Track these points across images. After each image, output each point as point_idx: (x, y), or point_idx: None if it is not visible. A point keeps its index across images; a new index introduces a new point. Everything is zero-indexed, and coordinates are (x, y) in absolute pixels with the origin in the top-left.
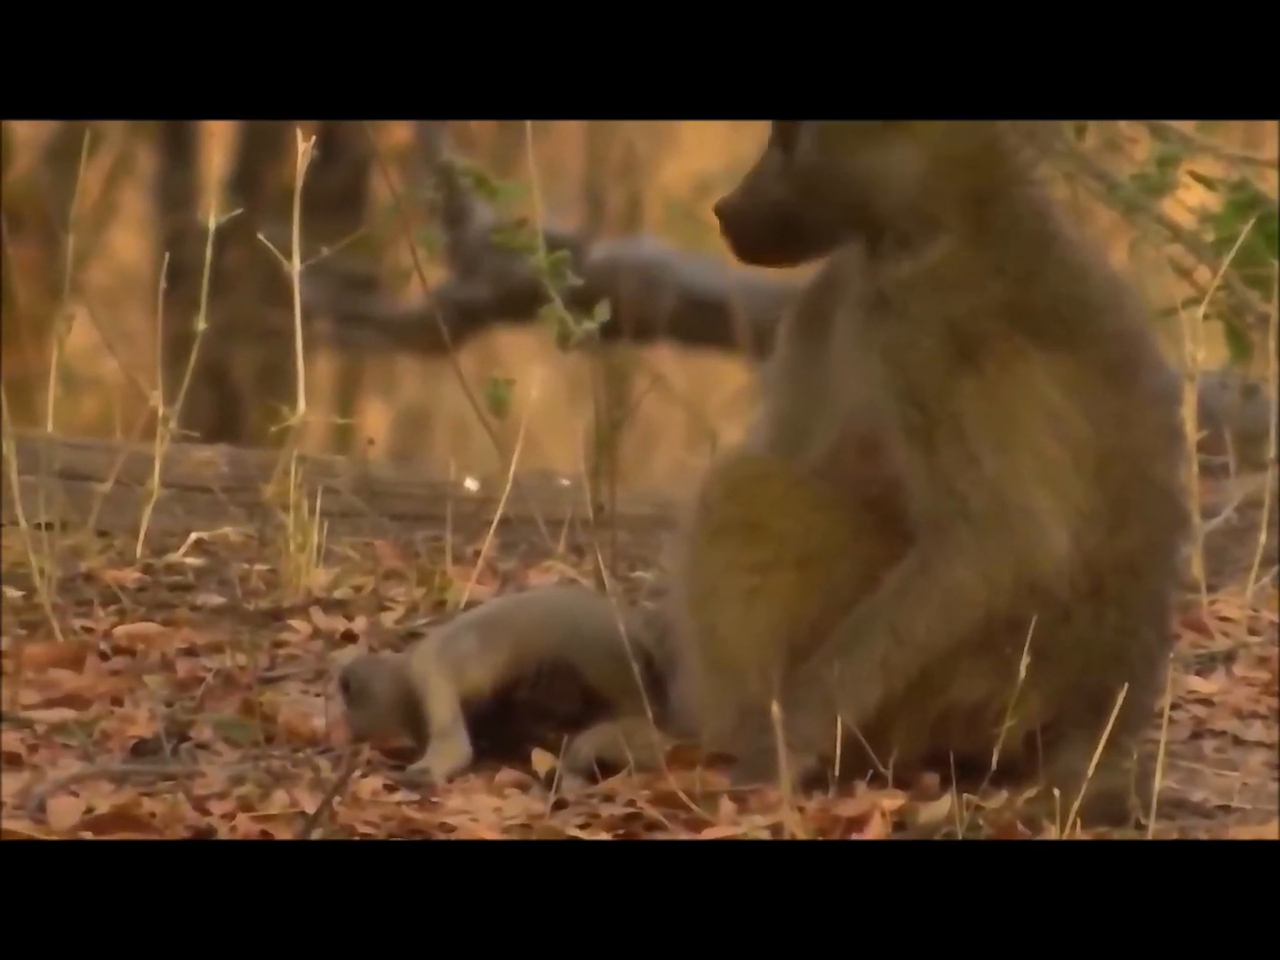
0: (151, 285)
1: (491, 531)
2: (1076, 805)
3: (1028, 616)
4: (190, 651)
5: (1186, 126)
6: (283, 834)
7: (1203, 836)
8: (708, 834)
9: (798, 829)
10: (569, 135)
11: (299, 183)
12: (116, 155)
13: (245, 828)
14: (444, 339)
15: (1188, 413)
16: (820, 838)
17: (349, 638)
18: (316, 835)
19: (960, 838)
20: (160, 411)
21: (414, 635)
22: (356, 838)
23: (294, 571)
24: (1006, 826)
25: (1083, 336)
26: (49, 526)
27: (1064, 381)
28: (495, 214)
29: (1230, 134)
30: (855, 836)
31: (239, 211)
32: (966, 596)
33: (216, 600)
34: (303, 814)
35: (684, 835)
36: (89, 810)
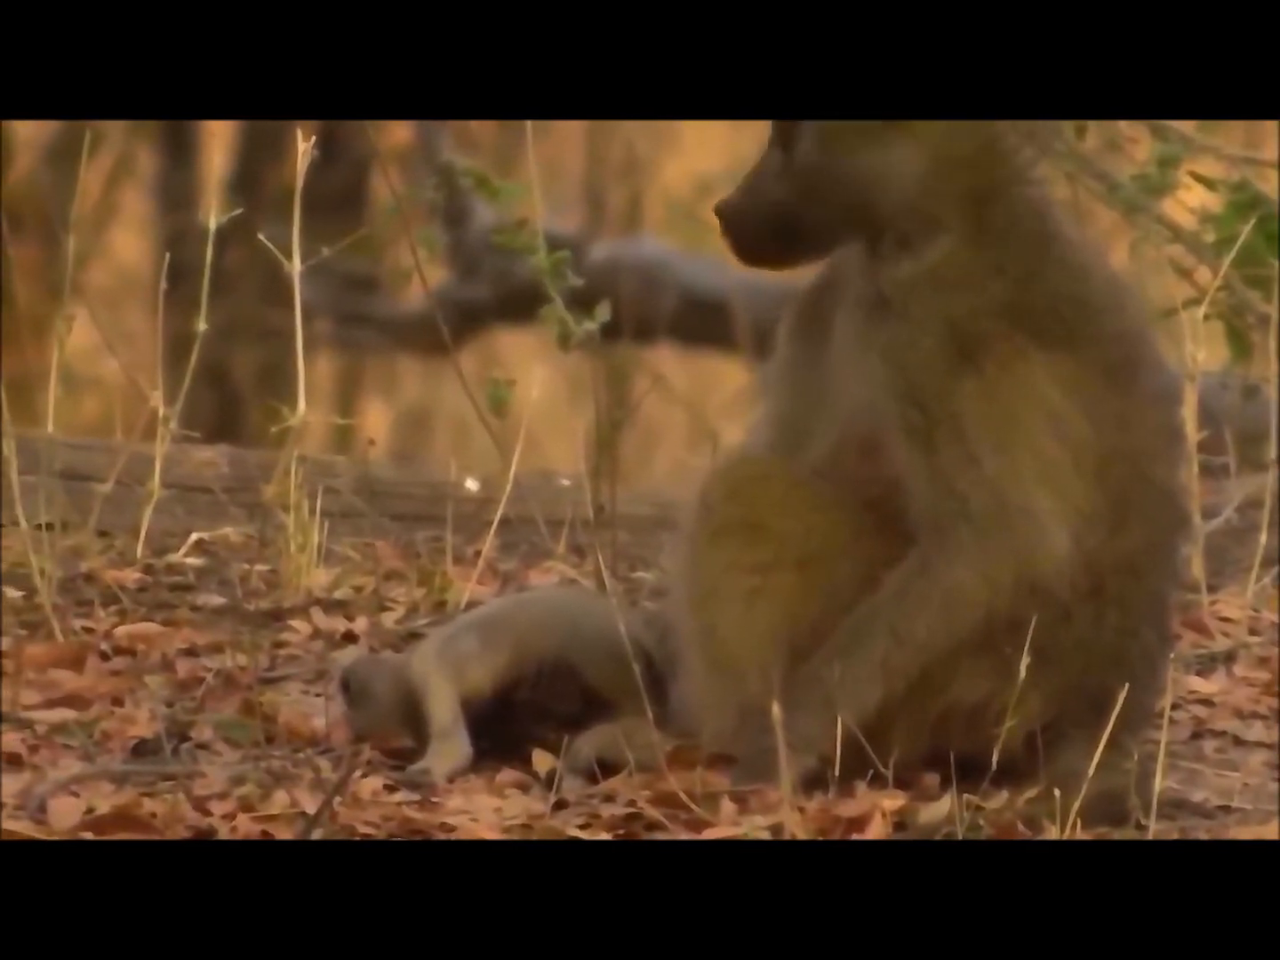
0: (152, 285)
1: (492, 532)
2: (1077, 805)
3: (1028, 617)
4: (191, 652)
5: (1187, 126)
6: (283, 834)
7: (1203, 837)
8: (708, 834)
9: (798, 829)
10: (569, 135)
11: (299, 183)
12: (117, 155)
13: (246, 828)
14: (444, 339)
15: (1188, 413)
16: (820, 838)
17: (349, 638)
18: (317, 835)
19: (960, 838)
20: (161, 412)
21: (414, 636)
22: (357, 838)
23: (294, 572)
24: (1007, 827)
25: (1083, 337)
26: (49, 527)
27: (1064, 382)
28: (496, 214)
29: (1230, 134)
30: (855, 837)
31: (239, 212)
32: (967, 597)
33: (217, 600)
34: (303, 814)
35: (684, 835)
36: (89, 810)
